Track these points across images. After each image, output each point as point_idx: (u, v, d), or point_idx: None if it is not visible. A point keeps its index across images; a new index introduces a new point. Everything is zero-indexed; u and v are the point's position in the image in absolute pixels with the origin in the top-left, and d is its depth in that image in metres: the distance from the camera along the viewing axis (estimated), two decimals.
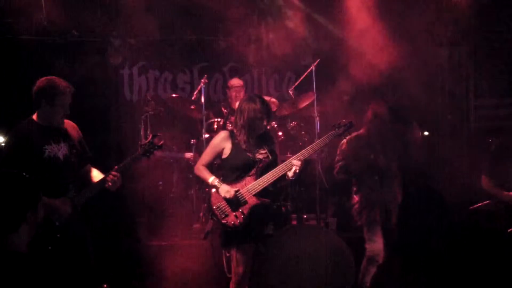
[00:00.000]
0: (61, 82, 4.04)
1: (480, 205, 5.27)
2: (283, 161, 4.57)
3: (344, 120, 4.79)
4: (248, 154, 4.39)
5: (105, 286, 5.03)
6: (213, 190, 4.40)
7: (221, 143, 4.46)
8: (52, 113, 4.03)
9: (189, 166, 6.93)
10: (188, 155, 6.85)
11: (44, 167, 3.95)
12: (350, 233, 6.26)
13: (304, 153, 4.46)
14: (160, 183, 6.94)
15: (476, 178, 5.35)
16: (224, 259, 4.89)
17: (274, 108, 7.10)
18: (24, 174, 2.36)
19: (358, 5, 7.31)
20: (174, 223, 6.40)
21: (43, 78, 4.06)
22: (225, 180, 4.40)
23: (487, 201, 5.16)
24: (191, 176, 6.73)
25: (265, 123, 4.44)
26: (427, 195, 2.86)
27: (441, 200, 2.90)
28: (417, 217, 2.72)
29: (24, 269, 2.17)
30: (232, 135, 4.47)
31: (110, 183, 4.11)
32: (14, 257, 2.20)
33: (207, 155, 4.54)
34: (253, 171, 4.36)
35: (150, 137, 4.40)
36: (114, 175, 4.11)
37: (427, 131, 7.50)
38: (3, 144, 5.37)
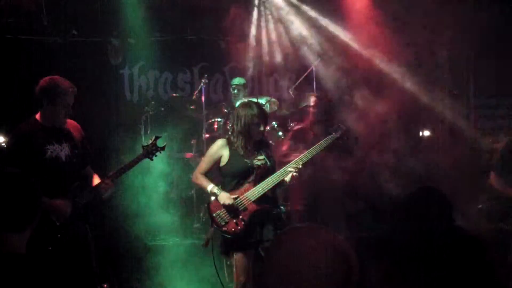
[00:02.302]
0: (64, 82, 4.02)
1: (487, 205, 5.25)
2: (284, 163, 4.57)
3: (341, 125, 4.79)
4: (246, 160, 4.37)
5: (105, 286, 5.03)
6: (212, 198, 4.37)
7: (219, 151, 4.44)
8: (55, 113, 4.02)
9: (189, 166, 6.93)
10: (188, 155, 6.85)
11: (46, 167, 3.94)
12: (350, 233, 6.28)
13: (303, 158, 4.45)
14: (160, 183, 6.94)
15: (474, 178, 5.34)
16: (225, 267, 4.87)
17: (274, 108, 7.11)
18: (30, 177, 2.36)
19: (359, 5, 7.33)
20: (174, 223, 6.40)
21: (46, 78, 4.04)
22: (223, 187, 4.38)
23: (487, 203, 5.14)
24: (191, 176, 6.72)
25: (261, 128, 4.43)
26: (427, 195, 2.85)
27: (443, 200, 2.87)
28: (417, 218, 2.73)
29: (25, 270, 2.17)
30: (229, 143, 4.44)
31: (105, 188, 4.13)
32: (15, 259, 2.20)
33: (205, 163, 4.50)
34: (251, 178, 4.34)
35: (153, 139, 4.41)
36: (106, 183, 4.13)
37: (427, 131, 7.50)
38: (4, 144, 5.38)
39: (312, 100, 5.84)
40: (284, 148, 5.84)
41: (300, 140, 5.51)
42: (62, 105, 4.00)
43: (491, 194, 5.14)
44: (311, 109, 5.81)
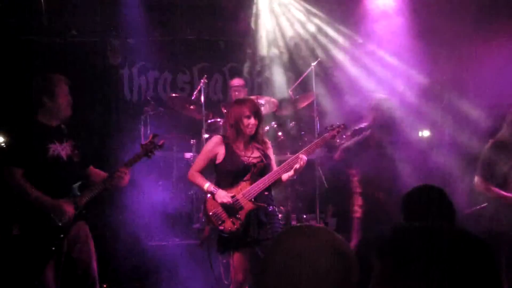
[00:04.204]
0: (58, 76, 4.10)
1: (477, 208, 5.23)
2: (281, 161, 4.56)
3: (337, 122, 4.77)
4: (242, 158, 4.35)
5: (105, 286, 5.04)
6: (208, 196, 4.35)
7: (214, 148, 4.41)
8: (55, 109, 4.06)
9: (189, 166, 6.92)
10: (188, 155, 6.85)
11: (48, 166, 3.96)
12: (350, 233, 6.28)
13: (298, 156, 4.43)
14: (160, 183, 6.95)
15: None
16: (221, 266, 4.86)
17: (274, 108, 7.11)
18: None
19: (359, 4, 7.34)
20: (174, 223, 6.40)
21: (37, 77, 4.11)
22: (219, 185, 4.34)
23: (484, 205, 5.12)
24: (188, 180, 6.72)
25: (252, 120, 4.37)
26: (429, 193, 2.85)
27: (445, 200, 2.86)
28: (418, 217, 2.72)
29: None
30: (225, 140, 4.41)
31: (117, 180, 4.14)
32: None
33: (201, 160, 4.46)
34: (248, 176, 4.31)
35: (151, 137, 4.42)
36: (121, 171, 4.14)
37: (428, 131, 7.50)
38: (4, 144, 5.39)
39: (373, 103, 5.56)
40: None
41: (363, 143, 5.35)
42: (62, 97, 4.05)
43: (480, 197, 5.14)
44: (372, 112, 5.52)
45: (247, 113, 4.33)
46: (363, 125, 5.52)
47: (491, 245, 1.70)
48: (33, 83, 4.08)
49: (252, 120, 4.35)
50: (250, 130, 4.37)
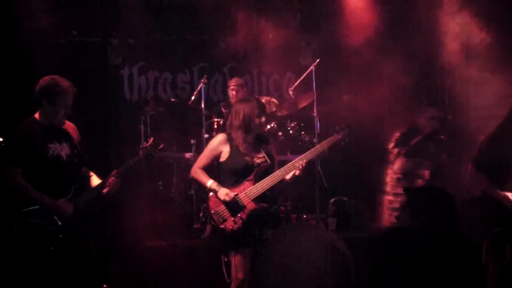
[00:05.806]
0: (63, 82, 4.05)
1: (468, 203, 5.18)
2: (281, 161, 4.55)
3: (343, 125, 4.73)
4: (246, 158, 4.34)
5: (105, 286, 5.03)
6: (211, 194, 4.34)
7: (219, 146, 4.41)
8: (54, 112, 4.04)
9: (189, 166, 6.90)
10: (188, 155, 6.85)
11: (49, 166, 3.96)
12: (350, 233, 6.30)
13: (303, 158, 4.43)
14: (160, 183, 6.95)
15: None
16: (223, 264, 4.86)
17: (274, 108, 7.11)
18: None
19: (358, 4, 7.34)
20: (174, 223, 6.40)
21: (46, 77, 4.07)
22: (222, 184, 4.34)
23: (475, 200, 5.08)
24: (191, 176, 6.72)
25: (263, 119, 4.40)
26: (428, 194, 2.86)
27: (447, 202, 2.86)
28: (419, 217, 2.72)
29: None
30: (230, 138, 4.40)
31: (109, 187, 4.14)
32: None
33: (205, 158, 4.46)
34: (251, 176, 4.31)
35: (151, 140, 4.42)
36: (113, 179, 4.14)
37: None
38: (3, 143, 5.39)
39: (429, 112, 5.44)
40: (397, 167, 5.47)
41: (422, 154, 5.27)
42: (62, 105, 4.03)
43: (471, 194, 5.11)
44: (424, 121, 5.41)
45: (258, 111, 4.34)
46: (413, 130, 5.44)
47: (477, 245, 1.72)
48: (39, 81, 4.06)
49: (263, 119, 4.37)
50: (260, 129, 4.40)
